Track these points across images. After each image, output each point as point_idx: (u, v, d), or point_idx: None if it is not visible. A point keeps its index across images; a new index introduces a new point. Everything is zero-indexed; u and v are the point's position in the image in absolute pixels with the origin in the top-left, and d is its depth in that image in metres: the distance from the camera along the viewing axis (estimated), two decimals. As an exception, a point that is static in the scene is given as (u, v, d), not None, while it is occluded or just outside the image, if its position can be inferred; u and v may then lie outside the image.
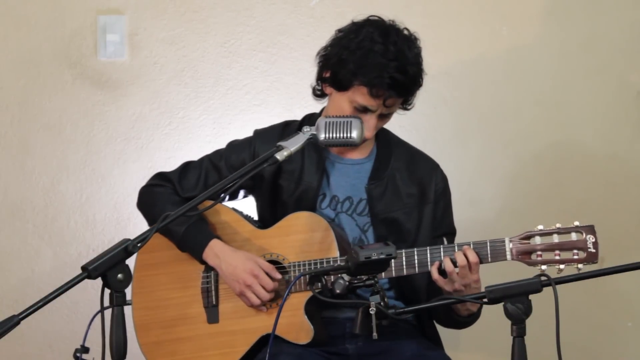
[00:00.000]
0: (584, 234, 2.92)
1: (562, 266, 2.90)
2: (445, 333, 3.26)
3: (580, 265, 2.90)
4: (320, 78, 3.15)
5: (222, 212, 3.15)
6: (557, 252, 2.93)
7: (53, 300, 2.39)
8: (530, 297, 2.45)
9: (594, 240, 2.92)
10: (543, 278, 2.47)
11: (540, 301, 2.49)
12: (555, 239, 2.93)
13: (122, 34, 4.10)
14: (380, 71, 2.99)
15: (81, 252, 4.09)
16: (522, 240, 2.95)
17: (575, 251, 2.92)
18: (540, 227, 2.95)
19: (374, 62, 3.00)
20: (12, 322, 2.33)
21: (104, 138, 4.13)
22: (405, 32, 3.09)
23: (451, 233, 3.23)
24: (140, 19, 4.11)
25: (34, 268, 4.10)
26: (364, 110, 3.05)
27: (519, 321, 2.43)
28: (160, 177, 3.27)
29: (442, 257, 2.97)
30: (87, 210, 4.11)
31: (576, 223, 2.93)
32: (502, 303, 2.45)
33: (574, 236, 2.92)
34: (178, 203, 3.13)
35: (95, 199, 4.12)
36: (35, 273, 4.10)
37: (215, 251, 3.08)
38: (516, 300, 2.43)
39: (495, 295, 2.46)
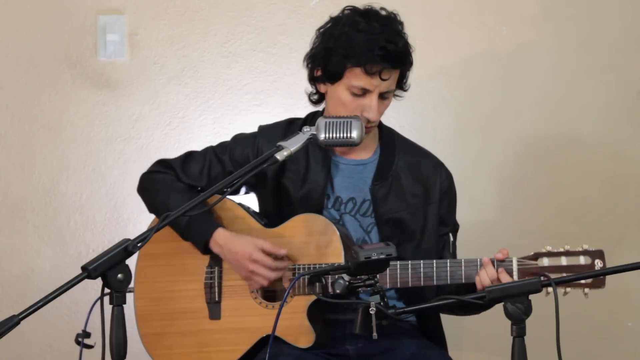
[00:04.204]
0: (592, 259, 2.91)
1: (568, 289, 2.87)
2: (445, 333, 3.26)
3: (587, 290, 2.88)
4: (312, 79, 3.13)
5: (228, 207, 3.13)
6: (564, 274, 2.90)
7: (53, 300, 2.39)
8: (530, 297, 2.45)
9: (601, 265, 2.90)
10: (543, 278, 2.47)
11: (540, 301, 2.49)
12: (564, 261, 2.92)
13: (122, 34, 4.10)
14: (370, 46, 2.97)
15: (81, 252, 4.09)
16: (530, 260, 2.94)
17: None
18: (549, 247, 2.94)
19: (361, 41, 2.98)
20: (12, 322, 2.33)
21: (104, 138, 4.12)
22: (384, 12, 3.07)
23: (455, 230, 3.23)
24: (140, 19, 4.11)
25: (34, 268, 4.10)
26: (363, 93, 3.01)
27: (519, 321, 2.42)
28: (162, 164, 3.24)
29: (462, 271, 2.97)
30: (87, 210, 4.11)
31: (585, 246, 2.92)
32: (502, 303, 2.44)
33: (582, 260, 2.91)
34: (182, 190, 3.14)
35: (95, 199, 4.12)
36: (35, 273, 4.09)
37: (219, 241, 3.05)
38: (516, 300, 2.42)
39: (495, 295, 2.45)
